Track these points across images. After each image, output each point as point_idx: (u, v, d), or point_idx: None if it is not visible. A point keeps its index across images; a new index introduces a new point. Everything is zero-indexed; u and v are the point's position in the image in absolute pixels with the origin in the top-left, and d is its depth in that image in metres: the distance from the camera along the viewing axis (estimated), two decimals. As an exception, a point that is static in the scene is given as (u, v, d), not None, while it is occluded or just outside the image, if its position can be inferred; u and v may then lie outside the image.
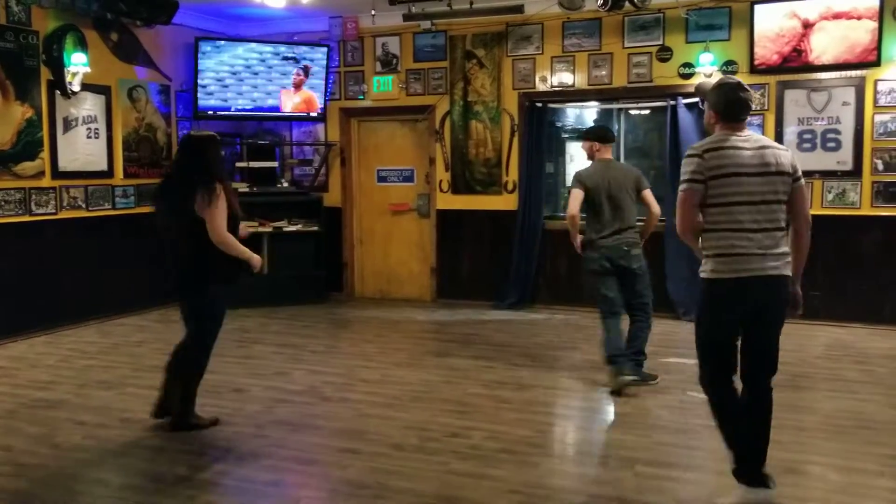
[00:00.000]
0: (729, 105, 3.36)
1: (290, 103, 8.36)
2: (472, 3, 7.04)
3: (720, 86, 3.43)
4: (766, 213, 3.29)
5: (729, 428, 3.43)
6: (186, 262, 4.27)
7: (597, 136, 5.42)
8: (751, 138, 3.38)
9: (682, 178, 3.35)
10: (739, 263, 3.26)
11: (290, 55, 8.24)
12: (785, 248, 3.35)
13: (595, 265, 5.19)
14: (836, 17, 6.67)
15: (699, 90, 3.61)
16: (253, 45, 8.22)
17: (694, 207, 3.33)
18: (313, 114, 8.46)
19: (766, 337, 3.42)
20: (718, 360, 3.41)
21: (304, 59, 8.29)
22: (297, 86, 8.34)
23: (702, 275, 3.38)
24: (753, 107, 3.46)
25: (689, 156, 3.34)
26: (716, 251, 3.31)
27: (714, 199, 3.29)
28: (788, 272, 3.35)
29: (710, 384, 3.45)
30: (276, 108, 8.34)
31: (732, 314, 3.33)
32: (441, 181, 8.26)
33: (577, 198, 5.16)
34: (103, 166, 7.40)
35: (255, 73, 8.20)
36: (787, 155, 3.36)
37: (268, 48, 8.21)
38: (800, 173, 3.37)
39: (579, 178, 5.23)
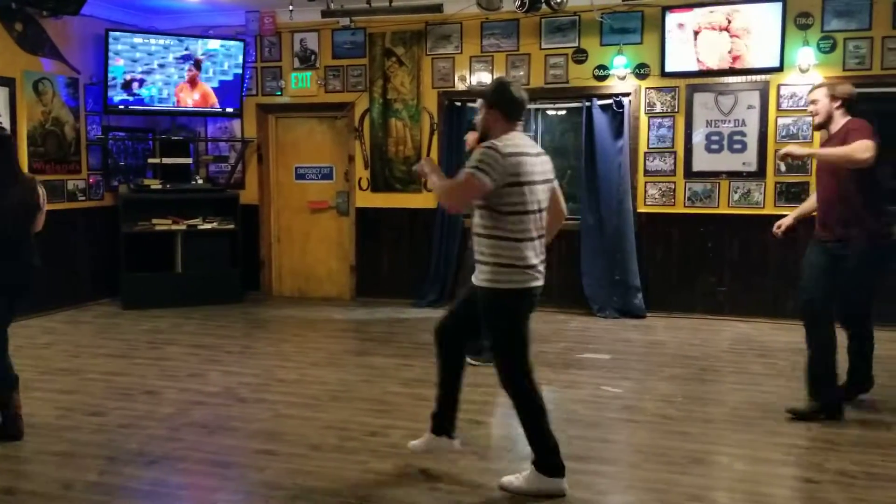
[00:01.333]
0: (514, 104, 3.41)
1: (189, 99, 8.16)
2: (391, 2, 7.05)
3: (502, 85, 3.46)
4: (538, 222, 3.42)
5: (545, 420, 3.51)
6: None
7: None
8: (529, 142, 3.47)
9: (476, 165, 3.25)
10: (528, 274, 3.40)
11: (181, 50, 8.02)
12: (544, 256, 3.50)
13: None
14: (738, 23, 6.94)
15: (473, 91, 3.71)
16: (162, 38, 8.01)
17: (471, 198, 3.34)
18: (229, 109, 8.31)
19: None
20: (525, 356, 3.54)
21: (198, 53, 8.07)
22: (192, 81, 8.12)
23: (487, 283, 3.41)
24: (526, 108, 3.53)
25: (495, 150, 3.26)
26: (508, 262, 3.36)
27: (509, 206, 3.31)
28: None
29: (525, 379, 3.54)
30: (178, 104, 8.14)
31: (522, 318, 3.51)
32: (360, 179, 8.24)
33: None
34: (6, 161, 7.09)
35: (163, 67, 7.99)
36: (550, 160, 3.53)
37: (169, 41, 7.99)
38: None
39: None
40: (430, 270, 7.94)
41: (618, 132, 7.38)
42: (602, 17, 7.27)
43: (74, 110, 7.77)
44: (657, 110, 7.31)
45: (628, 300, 7.35)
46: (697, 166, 7.23)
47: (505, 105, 3.41)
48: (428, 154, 7.96)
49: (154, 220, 7.98)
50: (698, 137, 7.21)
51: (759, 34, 6.88)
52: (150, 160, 8.37)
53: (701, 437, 4.23)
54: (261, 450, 4.03)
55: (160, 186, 8.05)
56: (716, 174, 7.22)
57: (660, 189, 7.37)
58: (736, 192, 7.17)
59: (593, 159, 7.40)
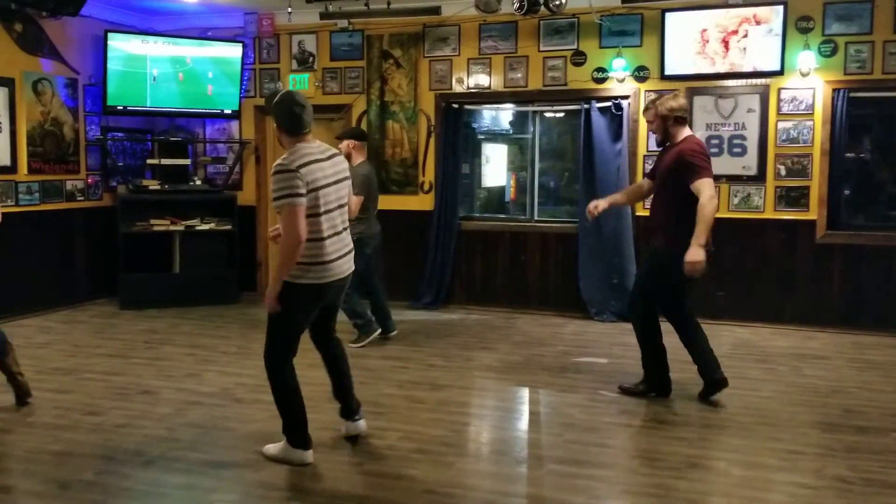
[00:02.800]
0: (291, 121, 3.63)
1: (189, 100, 8.17)
2: (389, 4, 7.05)
3: (279, 102, 3.65)
4: (339, 218, 3.72)
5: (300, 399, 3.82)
6: None
7: (357, 135, 6.30)
8: (319, 148, 3.71)
9: (282, 193, 3.47)
10: (327, 271, 3.66)
11: (179, 51, 8.03)
12: (351, 244, 3.85)
13: (370, 250, 6.17)
14: (741, 26, 6.94)
15: (266, 102, 3.95)
16: (160, 39, 8.01)
17: (304, 221, 3.53)
18: (227, 111, 8.30)
19: (336, 311, 4.04)
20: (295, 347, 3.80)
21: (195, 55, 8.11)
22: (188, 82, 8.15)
23: (292, 279, 3.60)
24: (311, 120, 3.71)
25: (285, 171, 3.48)
26: (304, 259, 3.58)
27: (307, 210, 3.54)
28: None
29: (286, 367, 3.78)
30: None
31: (315, 310, 3.81)
32: (359, 181, 8.22)
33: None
34: (6, 161, 7.08)
35: (166, 70, 7.98)
36: (345, 161, 3.86)
37: (168, 42, 8.01)
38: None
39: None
40: (426, 272, 7.93)
41: (616, 135, 7.37)
42: (601, 20, 7.28)
43: (73, 111, 7.77)
44: (656, 114, 7.30)
45: (626, 304, 7.33)
46: (696, 170, 7.22)
47: (284, 121, 3.64)
48: (425, 156, 7.95)
49: (152, 221, 7.97)
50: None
51: (759, 37, 6.88)
52: (149, 161, 8.36)
53: (698, 442, 4.23)
54: (257, 450, 4.02)
55: (158, 187, 8.05)
56: (716, 178, 7.17)
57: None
58: (736, 196, 7.16)
59: (592, 162, 7.40)
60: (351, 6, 7.30)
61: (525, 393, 5.22)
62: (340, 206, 3.72)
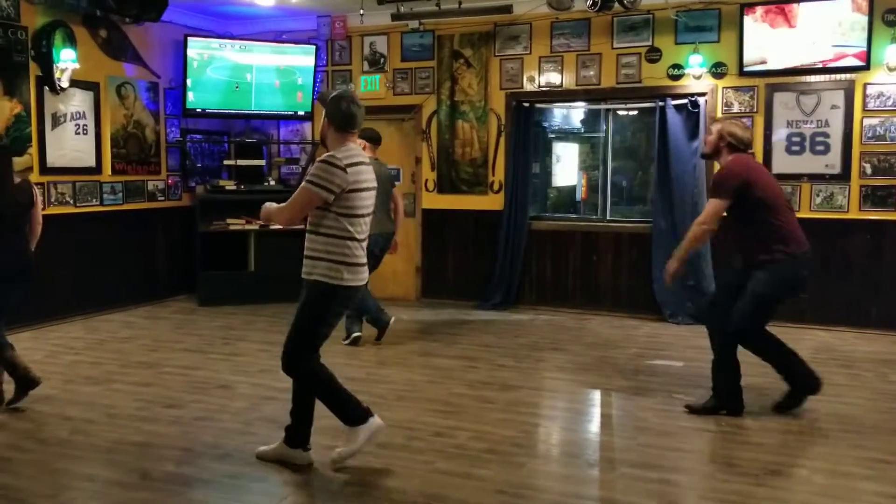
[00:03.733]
0: (346, 118, 3.63)
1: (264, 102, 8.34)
2: (460, 3, 7.05)
3: (337, 98, 3.67)
4: (367, 224, 3.70)
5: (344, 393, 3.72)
6: None
7: (370, 137, 6.13)
8: (361, 151, 3.73)
9: (314, 180, 3.50)
10: (361, 273, 3.65)
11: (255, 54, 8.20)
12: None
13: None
14: (824, 20, 6.71)
15: (320, 98, 3.88)
16: (239, 43, 8.20)
17: (307, 211, 3.62)
18: (301, 112, 8.45)
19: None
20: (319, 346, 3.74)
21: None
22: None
23: (321, 278, 3.60)
24: (362, 122, 3.74)
25: (332, 164, 3.49)
26: (337, 258, 3.58)
27: (344, 209, 3.54)
28: None
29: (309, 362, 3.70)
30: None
31: (342, 312, 3.80)
32: (427, 180, 8.27)
33: None
34: (91, 163, 7.36)
35: (242, 73, 8.17)
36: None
37: (245, 46, 8.20)
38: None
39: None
40: (495, 272, 7.90)
41: (693, 133, 7.21)
42: (677, 16, 7.13)
43: (154, 113, 8.02)
44: (735, 110, 7.12)
45: (704, 307, 7.15)
46: (777, 168, 6.99)
47: (336, 118, 3.65)
48: (495, 155, 7.93)
49: (228, 220, 8.17)
50: (779, 136, 6.99)
51: (844, 32, 6.63)
52: (226, 162, 8.58)
53: (778, 448, 4.09)
54: (330, 445, 4.05)
55: (234, 187, 8.24)
56: (797, 177, 6.97)
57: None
58: (818, 196, 6.92)
59: (667, 161, 7.25)
60: (422, 7, 7.33)
61: (597, 395, 5.14)
62: (371, 214, 3.74)
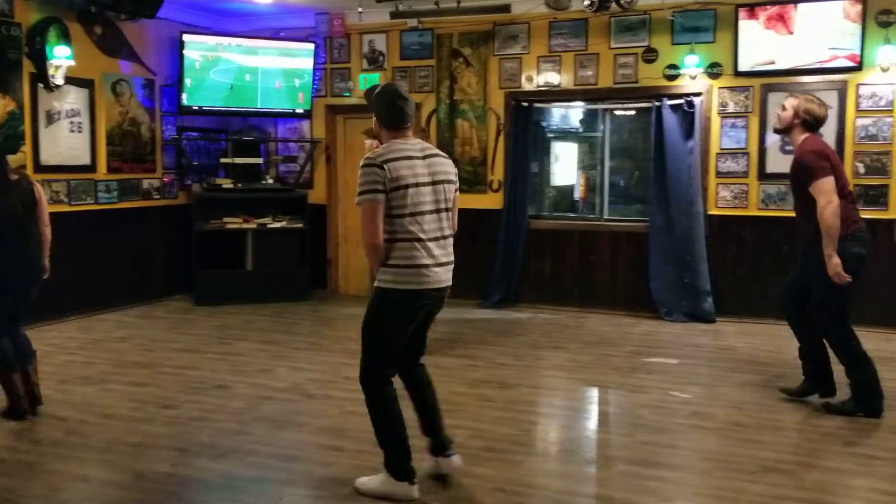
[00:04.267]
0: (391, 115, 3.41)
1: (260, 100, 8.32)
2: (459, 2, 7.04)
3: (381, 93, 3.46)
4: (438, 222, 3.40)
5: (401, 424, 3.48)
6: None
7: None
8: (418, 146, 3.43)
9: (361, 188, 3.28)
10: (422, 276, 3.34)
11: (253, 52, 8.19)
12: (452, 256, 3.49)
13: None
14: (818, 21, 6.72)
15: (366, 95, 3.70)
16: (237, 40, 8.19)
17: (380, 219, 3.29)
18: (299, 110, 8.44)
19: (426, 330, 3.64)
20: (393, 360, 3.50)
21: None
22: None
23: (378, 283, 3.38)
24: (413, 115, 3.48)
25: (367, 166, 3.29)
26: (398, 262, 3.33)
27: (394, 209, 3.29)
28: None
29: (384, 387, 3.49)
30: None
31: (413, 320, 3.44)
32: (426, 179, 8.25)
33: None
34: (86, 160, 7.34)
35: (239, 70, 8.16)
36: (450, 163, 3.51)
37: (241, 43, 8.19)
38: (457, 182, 3.55)
39: None
40: (495, 271, 7.91)
41: (688, 133, 7.22)
42: (673, 16, 7.14)
43: (150, 111, 8.00)
44: (730, 110, 7.13)
45: (698, 304, 7.18)
46: (772, 168, 7.02)
47: (382, 115, 3.45)
48: (494, 154, 7.93)
49: (225, 219, 8.16)
50: (773, 138, 7.00)
51: (837, 32, 6.65)
52: (223, 160, 8.56)
53: (773, 445, 4.10)
54: (328, 445, 4.08)
55: (232, 186, 8.23)
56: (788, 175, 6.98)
57: (732, 191, 7.18)
58: (812, 195, 6.92)
59: (663, 160, 7.26)
60: (421, 5, 7.33)
61: (595, 393, 5.15)
62: (439, 210, 3.41)
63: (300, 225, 8.35)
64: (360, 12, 7.43)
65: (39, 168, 6.84)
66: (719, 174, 7.21)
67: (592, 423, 4.68)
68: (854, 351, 4.57)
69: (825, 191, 4.36)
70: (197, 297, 8.01)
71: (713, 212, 7.22)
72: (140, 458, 3.90)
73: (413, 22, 7.82)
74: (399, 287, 3.34)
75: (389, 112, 3.42)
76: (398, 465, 3.45)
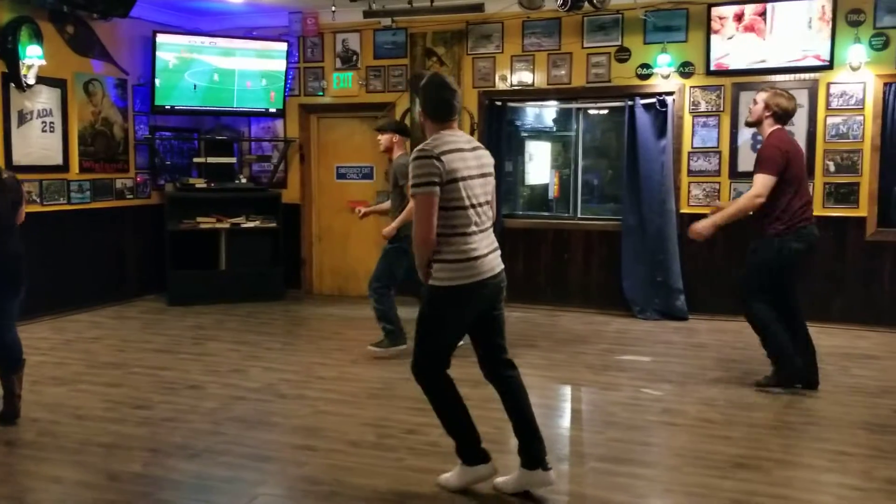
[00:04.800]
0: (437, 106, 3.35)
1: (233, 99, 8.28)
2: (432, 2, 7.06)
3: (427, 85, 3.39)
4: (486, 214, 3.39)
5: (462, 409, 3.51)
6: None
7: (401, 129, 6.02)
8: (464, 138, 3.41)
9: (418, 180, 3.20)
10: (476, 268, 3.30)
11: (226, 51, 8.15)
12: (497, 243, 3.49)
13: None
14: (789, 19, 6.81)
15: (412, 84, 3.60)
16: (209, 39, 8.14)
17: (436, 213, 3.23)
18: (272, 109, 8.41)
19: (500, 323, 3.56)
20: (448, 354, 3.51)
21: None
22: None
23: (440, 282, 3.31)
24: (461, 106, 3.45)
25: (423, 157, 3.20)
26: (451, 257, 3.28)
27: (445, 202, 3.24)
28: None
29: (439, 379, 3.53)
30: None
31: (474, 312, 3.40)
32: (401, 179, 8.26)
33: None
34: (58, 160, 7.27)
35: (212, 69, 8.12)
36: (490, 156, 3.51)
37: (214, 42, 8.15)
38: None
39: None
40: (469, 270, 7.91)
41: (661, 131, 7.29)
42: (645, 15, 7.20)
43: (123, 110, 7.94)
44: (702, 109, 7.21)
45: (670, 302, 7.26)
46: (743, 166, 7.09)
47: (428, 107, 3.38)
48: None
49: (199, 219, 8.11)
50: (744, 137, 7.09)
51: (808, 31, 6.74)
52: (196, 159, 8.51)
53: (743, 441, 4.16)
54: (301, 445, 4.08)
55: (205, 185, 8.18)
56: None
57: (704, 189, 7.26)
58: (782, 193, 7.02)
59: (635, 159, 7.33)
60: (394, 4, 7.33)
61: (567, 390, 5.20)
62: (488, 202, 3.40)
63: (274, 224, 8.32)
64: (334, 11, 7.41)
65: (11, 168, 6.71)
66: (691, 173, 7.29)
67: (565, 420, 4.72)
68: (769, 325, 4.93)
69: (760, 185, 4.76)
70: (170, 297, 7.95)
71: (685, 210, 7.29)
72: (113, 459, 3.88)
73: (386, 21, 7.83)
74: (456, 283, 3.28)
75: (438, 103, 3.35)
76: (468, 450, 3.46)
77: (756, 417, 4.55)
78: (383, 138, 5.97)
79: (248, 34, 8.40)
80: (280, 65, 8.29)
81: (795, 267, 4.94)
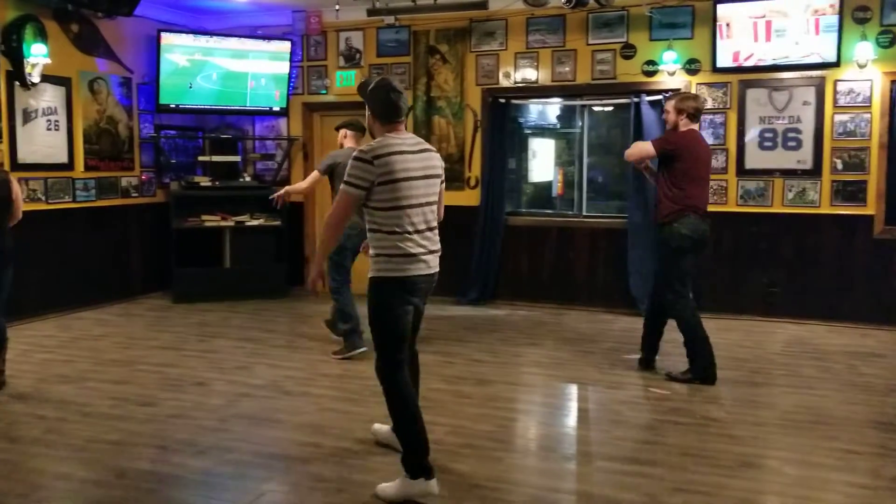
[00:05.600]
0: (385, 109, 3.47)
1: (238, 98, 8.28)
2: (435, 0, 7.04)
3: (375, 88, 3.50)
4: (427, 214, 3.48)
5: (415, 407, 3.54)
6: None
7: (351, 124, 6.12)
8: (411, 140, 3.50)
9: (346, 179, 3.37)
10: (415, 264, 3.44)
11: (230, 50, 8.16)
12: (439, 245, 3.59)
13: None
14: (796, 17, 6.78)
15: (360, 89, 3.76)
16: (214, 38, 8.13)
17: (351, 209, 3.43)
18: (276, 108, 8.40)
19: (419, 317, 3.76)
20: (402, 344, 3.57)
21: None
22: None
23: (374, 273, 3.47)
24: (406, 108, 3.56)
25: (359, 160, 3.35)
26: (388, 252, 3.42)
27: (383, 203, 3.36)
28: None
29: (398, 375, 3.54)
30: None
31: (409, 304, 3.53)
32: (405, 176, 8.24)
33: None
34: (63, 159, 7.27)
35: (216, 67, 8.11)
36: (439, 158, 3.62)
37: (218, 41, 8.15)
38: (443, 175, 3.65)
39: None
40: (471, 268, 7.91)
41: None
42: (651, 12, 7.18)
43: (128, 109, 7.94)
44: (708, 106, 7.18)
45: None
46: (750, 164, 7.09)
47: (377, 109, 3.50)
48: (471, 151, 7.94)
49: (203, 217, 8.11)
50: (751, 134, 7.07)
51: (814, 28, 6.72)
52: (200, 158, 8.51)
53: (751, 440, 4.14)
54: (306, 442, 4.07)
55: (209, 183, 8.18)
56: (769, 172, 7.06)
57: (710, 187, 7.20)
58: (790, 191, 7.00)
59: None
60: (397, 2, 7.32)
61: (573, 389, 5.18)
62: (429, 203, 3.49)
63: (278, 222, 8.32)
64: (337, 10, 7.41)
65: (16, 166, 6.76)
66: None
67: (571, 419, 4.71)
68: (691, 324, 5.17)
69: (643, 147, 5.33)
70: (175, 295, 7.96)
71: (691, 208, 7.26)
72: (120, 456, 3.88)
73: (390, 19, 7.82)
74: (392, 275, 3.43)
75: (384, 106, 3.47)
76: (413, 458, 3.44)
77: (763, 416, 4.53)
78: (339, 134, 6.17)
79: (252, 33, 8.40)
80: (284, 65, 8.28)
81: (689, 253, 5.18)
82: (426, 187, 3.47)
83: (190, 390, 4.98)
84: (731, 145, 7.15)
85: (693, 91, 7.17)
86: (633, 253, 7.39)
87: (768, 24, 6.85)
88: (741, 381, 5.23)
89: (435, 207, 3.56)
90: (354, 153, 3.40)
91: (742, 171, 7.13)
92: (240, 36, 8.27)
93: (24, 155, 6.86)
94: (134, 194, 8.07)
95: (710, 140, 7.23)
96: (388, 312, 3.48)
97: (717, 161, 7.19)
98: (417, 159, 3.45)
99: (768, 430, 4.33)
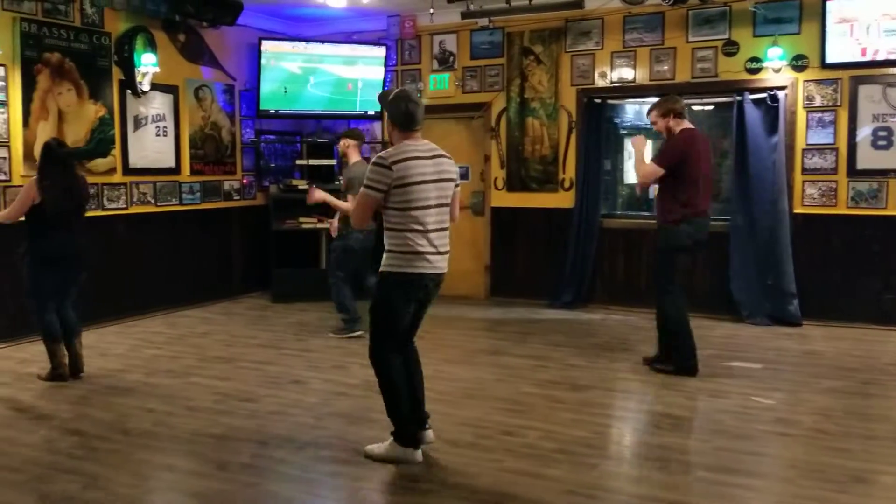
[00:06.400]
0: (404, 118, 3.73)
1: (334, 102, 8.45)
2: (531, 1, 6.99)
3: (395, 99, 3.76)
4: (439, 216, 3.75)
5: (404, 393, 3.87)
6: None
7: (350, 135, 6.64)
8: (426, 146, 3.76)
9: (366, 182, 3.66)
10: (426, 262, 3.72)
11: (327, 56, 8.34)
12: (449, 246, 3.86)
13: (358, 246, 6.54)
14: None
15: (380, 99, 3.96)
16: (312, 45, 8.33)
17: (371, 210, 3.78)
18: (370, 112, 8.53)
19: (422, 316, 4.02)
20: (396, 335, 3.88)
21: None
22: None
23: (385, 268, 3.79)
24: (423, 118, 3.78)
25: (378, 165, 3.64)
26: (399, 248, 3.71)
27: (398, 204, 3.65)
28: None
29: (389, 359, 3.86)
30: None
31: (414, 300, 3.83)
32: (496, 179, 8.24)
33: None
34: (171, 163, 7.58)
35: (313, 73, 8.30)
36: (453, 163, 3.86)
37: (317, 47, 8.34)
38: (459, 180, 3.93)
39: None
40: (565, 271, 7.82)
41: (772, 128, 6.99)
42: (755, 7, 6.92)
43: (230, 115, 8.21)
44: (817, 104, 6.88)
45: (782, 307, 6.94)
46: (862, 164, 6.74)
47: (397, 118, 3.75)
48: (565, 152, 7.85)
49: (301, 219, 8.31)
50: (864, 133, 6.72)
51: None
52: (298, 161, 8.73)
53: (863, 454, 3.93)
54: (361, 450, 4.07)
55: (307, 186, 8.35)
56: (883, 173, 6.69)
57: (819, 188, 6.92)
58: (905, 192, 6.63)
59: (745, 157, 7.05)
60: (492, 4, 7.30)
61: (671, 397, 5.03)
62: (441, 205, 3.76)
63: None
64: (432, 13, 7.45)
65: (128, 171, 7.12)
66: (805, 171, 6.96)
67: (669, 427, 4.57)
68: (677, 319, 5.31)
69: (649, 172, 5.31)
70: (274, 295, 8.18)
71: (799, 210, 6.97)
72: (222, 450, 4.01)
73: (484, 21, 7.81)
74: (402, 270, 3.73)
75: (402, 115, 3.74)
76: (403, 431, 3.81)
77: (876, 429, 4.29)
78: (340, 144, 6.60)
79: (349, 38, 8.55)
80: (379, 70, 8.40)
81: (688, 251, 5.36)
82: (439, 190, 3.74)
83: (288, 388, 5.10)
84: (842, 144, 6.82)
85: (800, 88, 6.89)
86: (735, 257, 7.14)
87: (883, 17, 6.50)
88: (851, 391, 4.97)
89: (447, 209, 3.83)
90: (373, 159, 3.70)
91: (853, 172, 6.78)
92: (336, 42, 8.44)
93: (135, 160, 7.19)
94: (236, 197, 8.34)
95: (818, 139, 6.93)
96: (388, 305, 3.81)
97: (825, 161, 6.88)
98: (431, 164, 3.72)
99: (882, 443, 4.09)
